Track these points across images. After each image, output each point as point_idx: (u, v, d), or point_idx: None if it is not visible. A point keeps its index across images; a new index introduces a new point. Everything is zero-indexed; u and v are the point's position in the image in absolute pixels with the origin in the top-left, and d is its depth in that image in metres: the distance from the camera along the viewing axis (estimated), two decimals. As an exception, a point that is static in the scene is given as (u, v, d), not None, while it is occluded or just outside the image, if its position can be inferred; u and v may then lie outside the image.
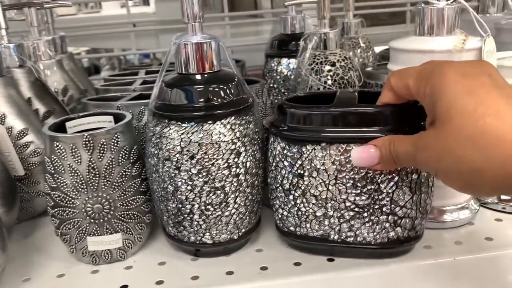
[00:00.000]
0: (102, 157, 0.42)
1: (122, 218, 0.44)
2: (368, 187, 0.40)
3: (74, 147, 0.41)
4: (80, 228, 0.44)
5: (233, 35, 0.97)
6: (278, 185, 0.43)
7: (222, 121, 0.41)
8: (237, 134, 0.42)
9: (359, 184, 0.40)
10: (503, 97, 0.29)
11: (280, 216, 0.45)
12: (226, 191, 0.42)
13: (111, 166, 0.43)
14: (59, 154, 0.42)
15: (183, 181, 0.41)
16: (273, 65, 0.76)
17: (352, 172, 0.40)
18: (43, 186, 0.52)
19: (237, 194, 0.43)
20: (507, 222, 0.49)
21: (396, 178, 0.40)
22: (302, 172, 0.41)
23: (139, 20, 0.88)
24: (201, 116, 0.40)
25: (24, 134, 0.53)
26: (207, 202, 0.42)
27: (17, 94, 0.54)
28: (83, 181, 0.42)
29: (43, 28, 0.72)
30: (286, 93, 0.73)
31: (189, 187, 0.41)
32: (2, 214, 0.45)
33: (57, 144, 0.42)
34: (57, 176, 0.42)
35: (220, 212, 0.43)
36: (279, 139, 0.42)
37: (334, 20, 0.85)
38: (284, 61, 0.75)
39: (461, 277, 0.43)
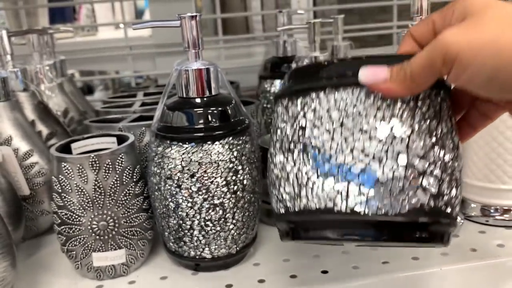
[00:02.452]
0: (107, 177, 0.45)
1: (126, 235, 0.46)
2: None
3: (81, 167, 0.44)
4: (86, 245, 0.46)
5: (227, 57, 1.00)
6: (278, 150, 0.36)
7: (221, 141, 0.44)
8: (235, 154, 0.44)
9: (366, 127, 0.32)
10: None
11: (277, 194, 0.35)
12: (225, 208, 0.44)
13: (115, 185, 0.45)
14: (66, 174, 0.44)
15: (184, 198, 0.44)
16: (266, 86, 0.79)
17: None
18: (47, 205, 0.54)
19: (235, 210, 0.45)
20: (490, 234, 0.52)
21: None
22: (304, 125, 0.34)
23: (135, 44, 0.91)
24: (200, 137, 0.43)
25: (30, 155, 0.55)
26: (206, 218, 0.44)
27: (22, 117, 0.57)
28: (89, 200, 0.44)
29: (44, 52, 0.74)
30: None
31: (189, 204, 0.44)
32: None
33: (65, 164, 0.44)
34: (64, 195, 0.45)
35: (219, 228, 0.45)
36: (281, 100, 0.36)
37: (325, 43, 0.89)
38: (277, 82, 0.78)
39: (447, 286, 0.46)
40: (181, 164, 0.43)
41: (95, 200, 0.44)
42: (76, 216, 0.45)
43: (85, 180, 0.44)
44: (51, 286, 0.48)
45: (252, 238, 0.49)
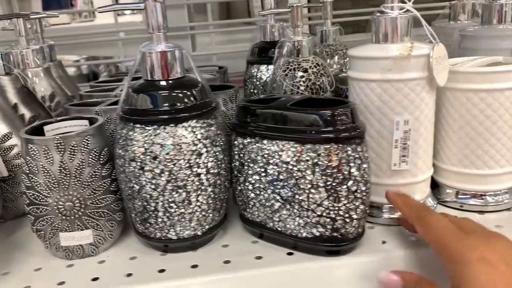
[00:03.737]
0: (73, 158, 0.45)
1: (92, 216, 0.47)
2: (290, 181, 0.44)
3: (46, 148, 0.45)
4: (53, 225, 0.47)
5: (220, 43, 1.00)
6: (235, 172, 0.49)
7: (184, 124, 0.44)
8: (198, 136, 0.44)
9: (281, 177, 0.44)
10: None
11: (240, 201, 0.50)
12: (188, 190, 0.45)
13: (81, 166, 0.46)
14: (33, 155, 0.45)
15: (147, 180, 0.44)
16: (253, 71, 0.79)
17: (276, 166, 0.44)
18: (24, 186, 0.55)
19: (198, 192, 0.45)
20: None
21: (311, 177, 0.43)
22: (243, 161, 0.47)
23: (128, 29, 0.91)
24: (163, 120, 0.43)
25: (8, 138, 0.56)
26: (170, 200, 0.45)
27: (2, 100, 0.58)
28: (55, 181, 0.45)
29: (32, 38, 0.75)
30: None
31: (152, 186, 0.44)
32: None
33: (31, 146, 0.45)
34: (32, 176, 0.46)
35: (183, 210, 0.45)
36: (235, 134, 0.48)
37: (314, 28, 0.88)
38: (263, 67, 0.78)
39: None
40: (143, 147, 0.44)
41: (60, 181, 0.45)
42: (43, 197, 0.46)
43: (51, 161, 0.45)
44: (25, 265, 0.49)
45: (220, 220, 0.49)
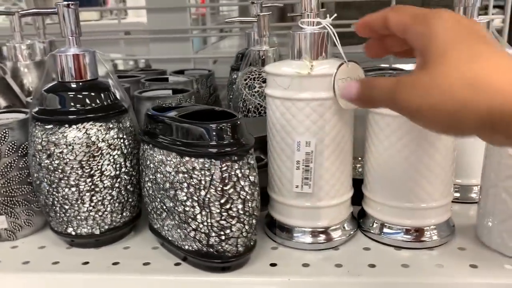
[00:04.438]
0: (-11, 148, 0.49)
1: (6, 203, 0.51)
2: (171, 192, 0.44)
3: (-34, 137, 0.49)
4: (-29, 208, 0.51)
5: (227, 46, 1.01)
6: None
7: (78, 125, 0.46)
8: (92, 138, 0.46)
9: (166, 187, 0.44)
10: (496, 50, 0.30)
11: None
12: (81, 189, 0.47)
13: (-4, 157, 0.49)
14: (-43, 142, 0.50)
15: (43, 176, 0.47)
16: (234, 77, 0.79)
17: (163, 175, 0.44)
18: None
19: (92, 193, 0.47)
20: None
21: (186, 190, 0.42)
22: (142, 167, 0.48)
23: (132, 29, 0.96)
24: (58, 120, 0.46)
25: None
26: (64, 197, 0.47)
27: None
28: (-29, 168, 0.49)
29: (35, 33, 0.82)
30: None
31: (49, 182, 0.47)
32: None
33: (-45, 134, 0.49)
34: (-45, 161, 0.50)
35: (77, 208, 0.47)
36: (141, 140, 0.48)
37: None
38: (240, 73, 0.78)
39: None
40: (41, 144, 0.46)
41: (-23, 169, 0.49)
42: (-37, 181, 0.50)
43: (-30, 149, 0.49)
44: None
45: (123, 222, 0.51)
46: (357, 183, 0.52)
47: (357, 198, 0.52)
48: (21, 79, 0.75)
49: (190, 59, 0.97)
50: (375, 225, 0.51)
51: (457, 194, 0.59)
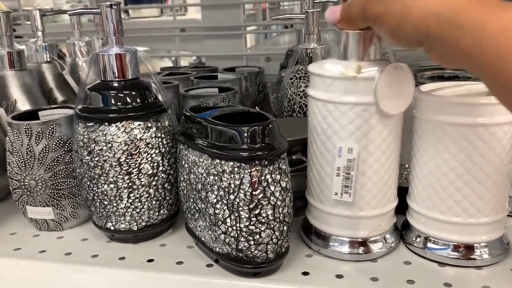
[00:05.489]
0: (38, 143, 0.51)
1: (53, 196, 0.53)
2: (202, 193, 0.44)
3: (17, 132, 0.51)
4: (22, 198, 0.54)
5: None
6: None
7: (117, 124, 0.47)
8: (131, 137, 0.47)
9: (198, 187, 0.44)
10: None
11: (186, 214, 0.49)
12: (119, 186, 0.48)
13: (45, 151, 0.52)
14: (11, 136, 0.52)
15: (85, 171, 0.48)
16: (283, 75, 0.78)
17: (195, 176, 0.44)
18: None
19: (130, 190, 0.48)
20: (411, 268, 0.45)
21: (216, 193, 0.42)
22: (178, 167, 0.48)
23: (187, 26, 0.97)
24: (98, 118, 0.47)
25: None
26: (103, 193, 0.48)
27: (33, 84, 0.67)
28: (22, 161, 0.52)
29: (95, 31, 0.85)
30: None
31: (89, 177, 0.48)
32: None
33: (9, 129, 0.52)
34: (9, 154, 0.53)
35: (115, 204, 0.48)
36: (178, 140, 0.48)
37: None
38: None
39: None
40: (82, 141, 0.48)
41: (27, 162, 0.52)
42: (14, 173, 0.53)
43: (21, 143, 0.52)
44: (3, 227, 0.57)
45: (160, 219, 0.51)
46: (403, 191, 0.49)
47: (402, 207, 0.49)
48: (79, 75, 0.79)
49: (243, 56, 0.97)
50: (418, 238, 0.47)
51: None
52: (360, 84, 0.42)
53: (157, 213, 0.51)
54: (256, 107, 0.76)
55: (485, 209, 0.44)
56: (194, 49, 0.99)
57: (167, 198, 0.51)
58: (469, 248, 0.45)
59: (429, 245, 0.46)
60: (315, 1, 0.73)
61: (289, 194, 0.43)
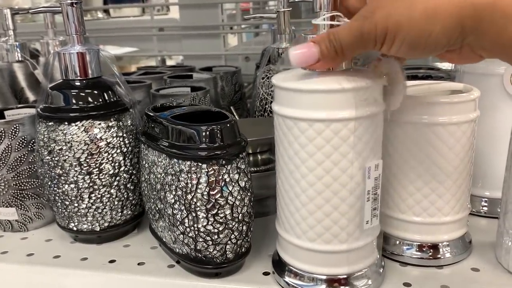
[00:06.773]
0: (0, 143, 0.51)
1: (16, 196, 0.52)
2: (161, 193, 0.43)
3: (-20, 131, 0.51)
4: (-15, 198, 0.53)
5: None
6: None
7: (77, 123, 0.46)
8: (91, 137, 0.46)
9: (158, 187, 0.43)
10: None
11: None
12: (79, 186, 0.47)
13: (7, 151, 0.51)
14: (-27, 136, 0.52)
15: (45, 171, 0.48)
16: (258, 74, 0.77)
17: (155, 176, 0.44)
18: None
19: (91, 190, 0.47)
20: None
21: (173, 193, 0.41)
22: (139, 166, 0.48)
23: (165, 25, 0.96)
24: (59, 117, 0.46)
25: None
26: (64, 193, 0.48)
27: (2, 83, 0.67)
28: (-16, 161, 0.51)
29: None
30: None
31: (50, 177, 0.48)
32: None
33: (-28, 128, 0.52)
34: (-28, 153, 0.52)
35: (76, 204, 0.48)
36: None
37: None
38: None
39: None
40: (43, 140, 0.47)
41: (-11, 162, 0.51)
42: (-23, 173, 0.52)
43: (-17, 143, 0.51)
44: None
45: (124, 220, 0.51)
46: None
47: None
48: (52, 74, 0.78)
49: (222, 56, 0.96)
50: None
51: (485, 208, 0.54)
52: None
53: (120, 213, 0.50)
54: (231, 107, 0.76)
55: (445, 208, 0.43)
56: (172, 48, 0.98)
57: (130, 198, 0.50)
58: (432, 247, 0.45)
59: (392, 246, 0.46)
60: (289, 1, 0.73)
61: (248, 194, 0.42)
